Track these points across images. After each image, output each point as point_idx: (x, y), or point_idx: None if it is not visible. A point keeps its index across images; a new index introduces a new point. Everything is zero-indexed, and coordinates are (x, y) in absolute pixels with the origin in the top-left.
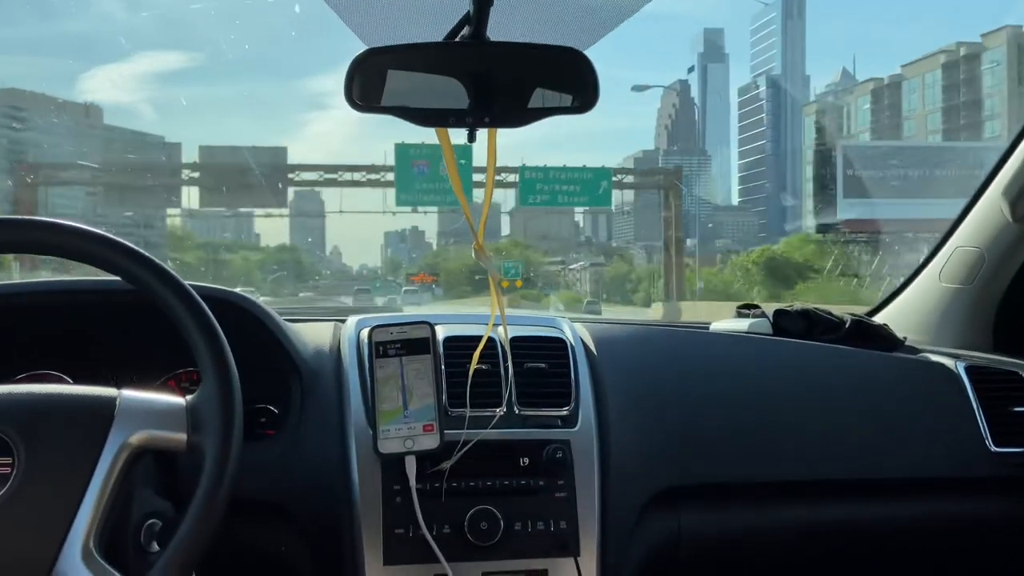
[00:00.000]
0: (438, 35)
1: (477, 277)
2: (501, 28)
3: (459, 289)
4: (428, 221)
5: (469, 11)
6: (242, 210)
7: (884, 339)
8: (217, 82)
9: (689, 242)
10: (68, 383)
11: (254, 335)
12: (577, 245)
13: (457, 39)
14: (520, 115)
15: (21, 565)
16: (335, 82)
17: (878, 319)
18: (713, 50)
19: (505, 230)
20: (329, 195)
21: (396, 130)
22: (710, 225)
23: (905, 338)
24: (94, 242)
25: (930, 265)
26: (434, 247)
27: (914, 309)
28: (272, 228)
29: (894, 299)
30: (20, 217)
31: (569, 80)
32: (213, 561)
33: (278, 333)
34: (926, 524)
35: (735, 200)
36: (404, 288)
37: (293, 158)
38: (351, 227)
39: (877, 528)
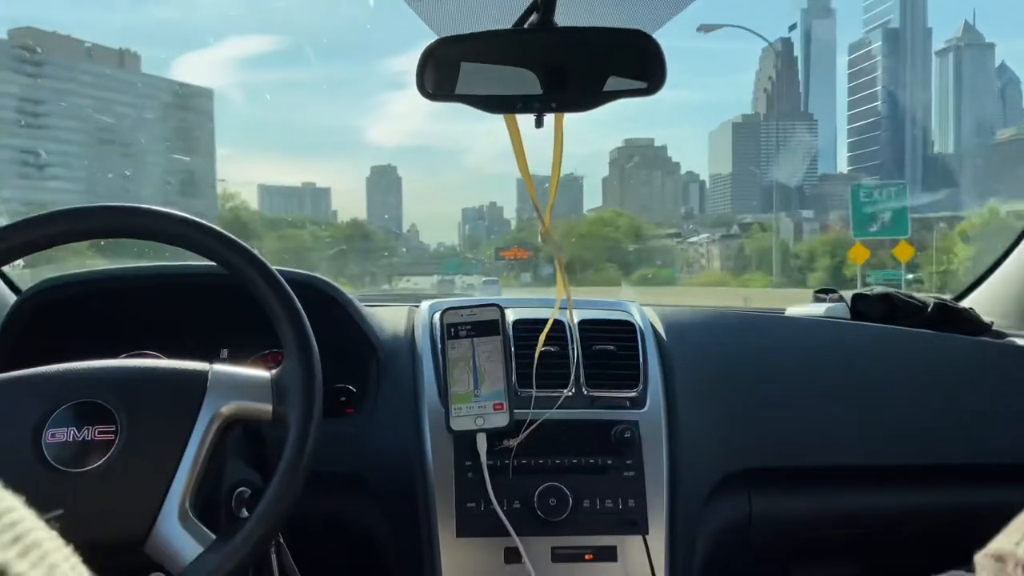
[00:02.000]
0: (507, 22)
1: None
2: (569, 13)
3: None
4: (506, 196)
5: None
6: (319, 185)
7: (969, 323)
8: (300, 66)
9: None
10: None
11: (335, 317)
12: (682, 217)
13: (525, 26)
14: (587, 99)
15: (125, 523)
16: (412, 61)
17: (964, 304)
18: (818, 5)
19: (595, 200)
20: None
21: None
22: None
23: (992, 323)
24: (188, 227)
25: (1018, 248)
26: (512, 224)
27: (1001, 293)
28: (349, 204)
29: (981, 283)
30: (121, 205)
31: (636, 63)
32: (303, 529)
33: (356, 316)
34: (1012, 511)
35: (843, 167)
36: (483, 279)
37: (373, 138)
38: (429, 203)
39: (958, 515)
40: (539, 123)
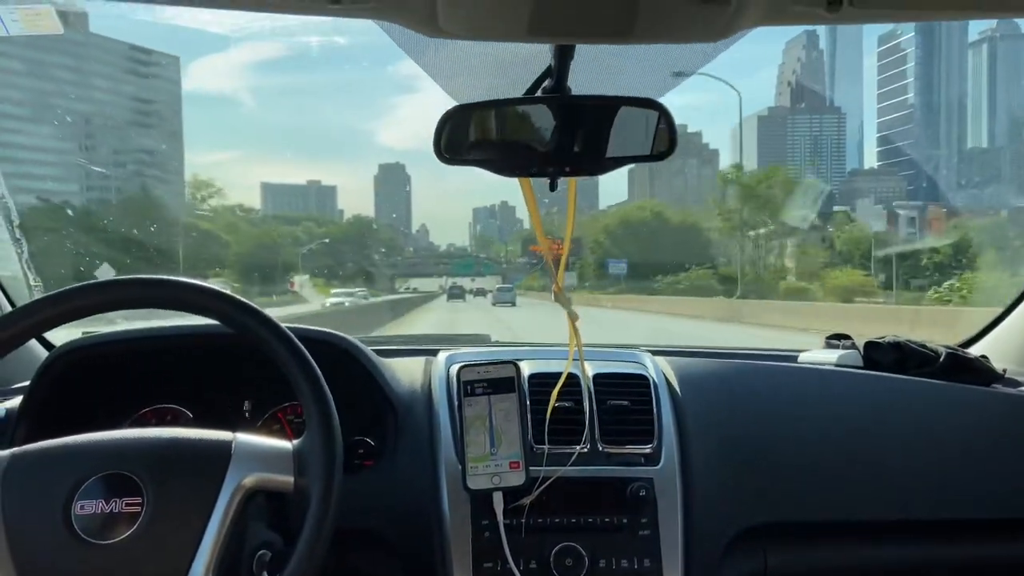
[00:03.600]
0: (521, 88)
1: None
2: (581, 80)
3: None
4: (518, 196)
5: (551, 65)
6: (324, 183)
7: (981, 372)
8: (310, 70)
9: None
10: (188, 416)
11: (351, 372)
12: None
13: (539, 92)
14: (600, 164)
15: None
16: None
17: (975, 350)
18: None
19: (612, 197)
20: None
21: None
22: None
23: (1005, 370)
24: (214, 299)
25: None
26: (525, 223)
27: (1014, 339)
28: (357, 203)
29: (992, 329)
30: (143, 277)
31: (647, 129)
32: None
33: (372, 370)
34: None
35: (871, 162)
36: (497, 286)
37: (383, 140)
38: (439, 205)
39: (974, 570)
40: (553, 187)
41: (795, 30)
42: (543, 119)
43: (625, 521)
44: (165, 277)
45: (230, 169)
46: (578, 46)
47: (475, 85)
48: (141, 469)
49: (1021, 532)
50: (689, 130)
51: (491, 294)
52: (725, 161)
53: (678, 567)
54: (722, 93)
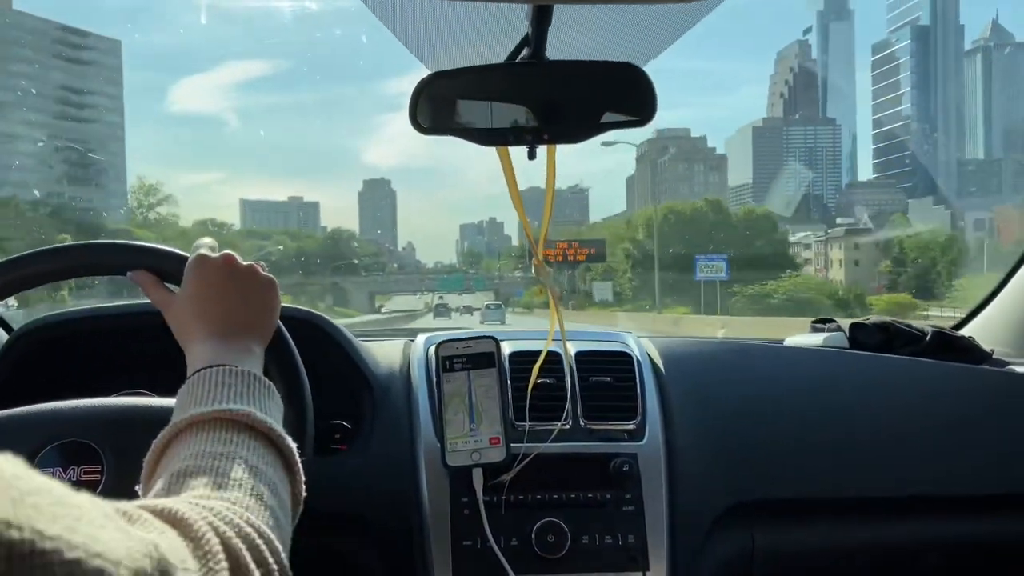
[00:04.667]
0: (499, 57)
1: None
2: (560, 47)
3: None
4: (506, 212)
5: (528, 33)
6: (307, 200)
7: (968, 351)
8: (296, 89)
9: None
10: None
11: (329, 353)
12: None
13: (517, 60)
14: (579, 131)
15: None
16: (409, 83)
17: (963, 333)
18: (835, 6)
19: (607, 209)
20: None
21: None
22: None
23: (992, 351)
24: (179, 263)
25: (1017, 275)
26: (514, 239)
27: (1001, 321)
28: (341, 220)
29: (980, 312)
30: (97, 242)
31: (627, 95)
32: (295, 568)
33: (350, 350)
34: (1011, 541)
35: (866, 173)
36: (485, 303)
37: (369, 159)
38: (426, 222)
39: (959, 545)
40: (531, 155)
41: (785, 40)
42: (520, 87)
43: (608, 497)
44: (126, 242)
45: (216, 189)
46: (556, 15)
47: (451, 55)
48: (99, 437)
49: (1009, 507)
50: (694, 134)
51: (479, 312)
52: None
53: (663, 543)
54: (711, 109)
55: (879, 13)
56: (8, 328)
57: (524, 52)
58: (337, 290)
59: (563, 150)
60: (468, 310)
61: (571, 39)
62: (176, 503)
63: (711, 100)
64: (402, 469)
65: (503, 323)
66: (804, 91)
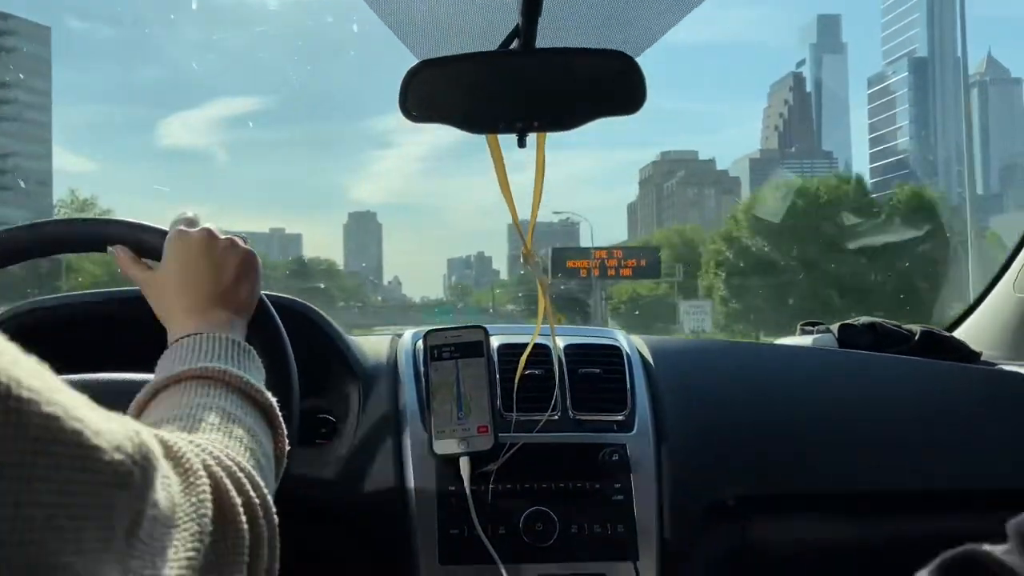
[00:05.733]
0: (489, 46)
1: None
2: (550, 38)
3: None
4: (494, 246)
5: (518, 23)
6: (288, 232)
7: (957, 351)
8: (285, 124)
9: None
10: None
11: (316, 343)
12: None
13: (508, 49)
14: (569, 119)
15: None
16: (397, 121)
17: (954, 335)
18: (829, 39)
19: (609, 239)
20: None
21: (459, 165)
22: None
23: (981, 352)
24: (159, 237)
25: (1004, 278)
26: (502, 274)
27: (990, 323)
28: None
29: (969, 315)
30: (73, 218)
31: (617, 83)
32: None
33: (338, 341)
34: (1000, 537)
35: None
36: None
37: (356, 195)
38: (413, 256)
39: (950, 541)
40: (521, 143)
41: (778, 73)
42: (510, 75)
43: (597, 487)
44: (106, 218)
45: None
46: (547, 2)
47: (441, 43)
48: None
49: (998, 503)
50: (702, 157)
51: None
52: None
53: (652, 533)
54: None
55: (874, 46)
56: None
57: (515, 42)
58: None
59: (556, 180)
60: None
61: (562, 28)
62: (159, 430)
63: (692, 140)
64: (389, 458)
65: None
66: (799, 124)
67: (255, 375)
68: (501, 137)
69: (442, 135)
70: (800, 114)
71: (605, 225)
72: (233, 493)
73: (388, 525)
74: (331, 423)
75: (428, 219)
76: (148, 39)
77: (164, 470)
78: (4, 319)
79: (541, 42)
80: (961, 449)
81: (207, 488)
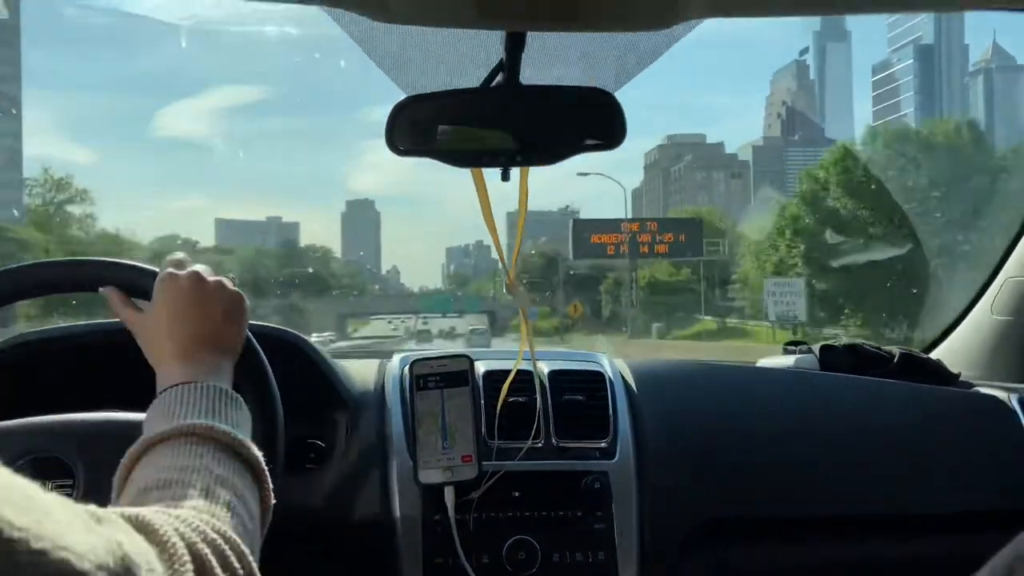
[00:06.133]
0: (474, 81)
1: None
2: (533, 73)
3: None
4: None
5: (502, 58)
6: (285, 220)
7: (935, 374)
8: (280, 115)
9: None
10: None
11: (303, 372)
12: None
13: (492, 85)
14: (551, 154)
15: None
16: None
17: (932, 355)
18: (832, 27)
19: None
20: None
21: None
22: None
23: (959, 374)
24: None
25: (982, 299)
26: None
27: (967, 344)
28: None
29: (947, 336)
30: (65, 260)
31: (597, 119)
32: None
33: (326, 369)
34: (980, 559)
35: None
36: (471, 327)
37: (355, 185)
38: (412, 245)
39: (931, 564)
40: (505, 177)
41: (782, 60)
42: (495, 110)
43: (579, 514)
44: (96, 258)
45: (202, 214)
46: (531, 43)
47: (427, 78)
48: (71, 451)
49: (977, 526)
50: (709, 140)
51: (462, 338)
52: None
53: (633, 560)
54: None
55: (879, 33)
56: None
57: (499, 77)
58: (292, 312)
59: (553, 171)
60: (451, 335)
61: (544, 64)
62: (143, 510)
63: (692, 130)
64: (375, 487)
65: (489, 348)
66: (802, 112)
67: (243, 425)
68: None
69: (434, 77)
70: (803, 102)
71: (607, 213)
72: (218, 571)
73: (374, 552)
74: (320, 449)
75: (426, 208)
76: (145, 25)
77: (149, 564)
78: (3, 348)
79: (524, 77)
80: (939, 473)
81: (190, 571)
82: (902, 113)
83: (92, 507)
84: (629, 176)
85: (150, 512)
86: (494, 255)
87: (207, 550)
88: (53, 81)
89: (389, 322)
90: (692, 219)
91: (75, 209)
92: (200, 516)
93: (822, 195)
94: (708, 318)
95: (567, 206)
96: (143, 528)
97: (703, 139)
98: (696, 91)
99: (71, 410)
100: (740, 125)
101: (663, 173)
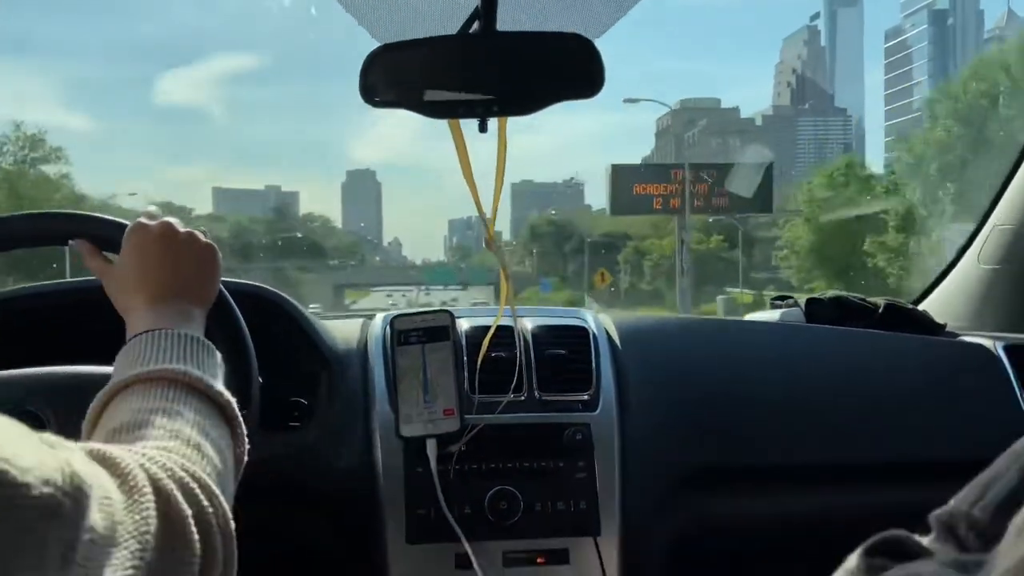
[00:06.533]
0: (450, 30)
1: None
2: (511, 21)
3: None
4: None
5: (478, 6)
6: (285, 189)
7: (921, 323)
8: (281, 83)
9: None
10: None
11: (284, 329)
12: None
13: (469, 32)
14: (528, 102)
15: None
16: None
17: (920, 308)
18: None
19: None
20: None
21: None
22: None
23: (945, 324)
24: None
25: (970, 248)
26: (506, 235)
27: (955, 295)
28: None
29: (936, 287)
30: (43, 212)
31: (576, 66)
32: (246, 542)
33: (306, 327)
34: None
35: (877, 167)
36: (472, 303)
37: (355, 158)
38: (413, 218)
39: (916, 511)
40: (483, 127)
41: (791, 27)
42: (471, 59)
43: (561, 465)
44: (65, 211)
45: (202, 184)
46: None
47: (401, 27)
48: (43, 403)
49: (961, 473)
50: (724, 105)
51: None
52: None
53: (615, 509)
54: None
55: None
56: None
57: (475, 25)
58: (277, 280)
59: (557, 144)
60: (454, 308)
61: (521, 11)
62: (105, 446)
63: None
64: (358, 442)
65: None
66: (812, 80)
67: (215, 372)
68: (464, 122)
69: (410, 27)
70: (814, 70)
71: (600, 182)
72: (184, 505)
73: (357, 505)
74: (303, 407)
75: (428, 179)
76: None
77: (104, 491)
78: None
79: (501, 26)
80: (924, 422)
81: (151, 504)
82: (915, 81)
83: (48, 435)
84: (632, 149)
85: (113, 447)
86: (498, 227)
87: (172, 485)
88: (51, 47)
89: (388, 295)
90: (760, 164)
91: (49, 169)
92: (168, 455)
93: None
94: (742, 291)
95: (572, 177)
96: (103, 460)
97: (717, 103)
98: (705, 58)
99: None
100: (749, 93)
101: (676, 139)
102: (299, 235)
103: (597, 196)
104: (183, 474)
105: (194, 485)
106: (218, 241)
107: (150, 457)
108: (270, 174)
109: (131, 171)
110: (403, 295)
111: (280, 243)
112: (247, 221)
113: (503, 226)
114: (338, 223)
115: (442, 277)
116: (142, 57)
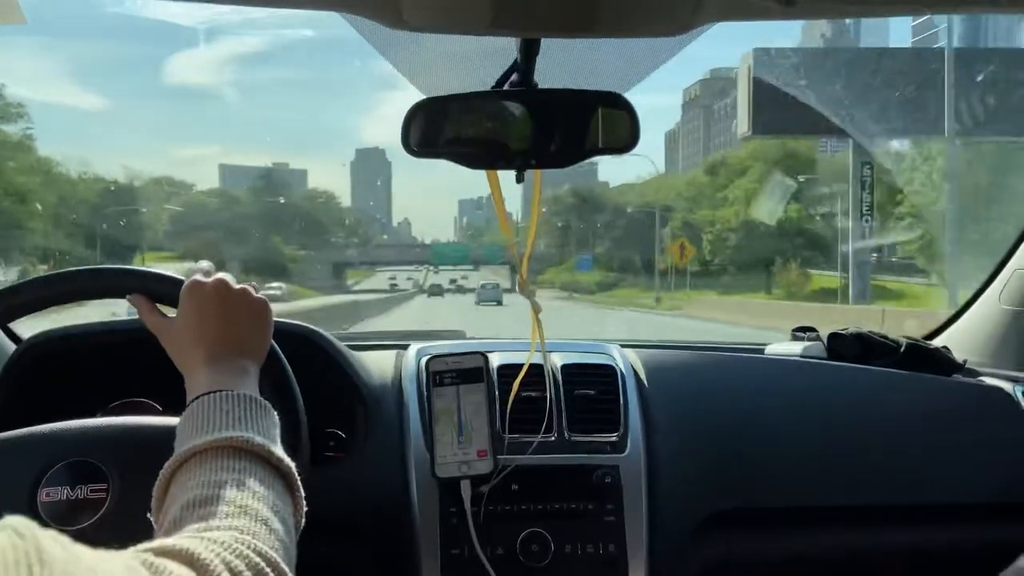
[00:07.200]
0: (489, 81)
1: None
2: (547, 75)
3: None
4: (506, 186)
5: (517, 59)
6: (294, 167)
7: (941, 362)
8: (292, 65)
9: None
10: (158, 410)
11: (322, 365)
12: None
13: (506, 86)
14: (565, 156)
15: None
16: None
17: (937, 343)
18: None
19: (624, 174)
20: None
21: None
22: None
23: (965, 361)
24: (175, 287)
25: (990, 288)
26: (516, 216)
27: (974, 332)
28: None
29: (954, 322)
30: (117, 268)
31: (611, 122)
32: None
33: (343, 363)
34: (984, 550)
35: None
36: (481, 283)
37: (364, 138)
38: (423, 198)
39: (934, 554)
40: (519, 178)
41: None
42: (510, 113)
43: (590, 507)
44: (124, 267)
45: (211, 162)
46: (544, 42)
47: (443, 80)
48: (106, 456)
49: (981, 516)
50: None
51: (472, 293)
52: None
53: (642, 552)
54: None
55: None
56: (16, 339)
57: (513, 78)
58: (268, 257)
59: None
60: (460, 289)
61: (557, 66)
62: (190, 542)
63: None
64: (394, 479)
65: (500, 304)
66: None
67: (273, 433)
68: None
69: (450, 79)
70: (841, 34)
71: (620, 167)
72: None
73: (393, 543)
74: (340, 438)
75: (439, 162)
76: None
77: None
78: (23, 349)
79: (538, 77)
80: (945, 464)
81: None
82: (941, 45)
83: (145, 555)
84: (662, 119)
85: (195, 543)
86: (509, 207)
87: (248, 574)
88: (60, 28)
89: (392, 277)
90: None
91: (10, 128)
92: (242, 539)
93: None
94: (831, 273)
95: None
96: (192, 563)
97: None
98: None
99: (100, 402)
100: None
101: (705, 111)
102: (281, 200)
103: (612, 172)
104: (258, 559)
105: (267, 568)
106: (211, 216)
107: (227, 545)
108: (277, 151)
109: (139, 151)
110: (408, 277)
111: (267, 214)
112: (244, 192)
113: (512, 207)
114: (345, 201)
115: (454, 256)
116: (153, 38)
